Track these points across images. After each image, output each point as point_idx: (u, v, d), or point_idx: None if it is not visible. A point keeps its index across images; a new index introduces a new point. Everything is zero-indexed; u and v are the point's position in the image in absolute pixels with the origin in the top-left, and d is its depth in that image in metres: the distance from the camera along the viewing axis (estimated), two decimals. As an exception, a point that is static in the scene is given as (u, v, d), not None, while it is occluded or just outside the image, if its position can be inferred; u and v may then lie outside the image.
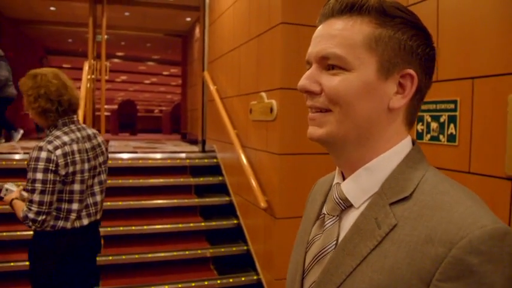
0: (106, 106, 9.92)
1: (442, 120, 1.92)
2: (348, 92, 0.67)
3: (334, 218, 0.73)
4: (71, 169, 2.13)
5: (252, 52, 3.87)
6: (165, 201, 4.47)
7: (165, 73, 16.09)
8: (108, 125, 10.38)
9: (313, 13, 2.77)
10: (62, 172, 2.09)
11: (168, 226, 4.21)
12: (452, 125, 1.87)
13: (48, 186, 2.05)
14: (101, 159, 2.35)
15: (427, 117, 2.01)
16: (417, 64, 0.69)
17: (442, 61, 1.93)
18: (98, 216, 2.37)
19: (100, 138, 2.39)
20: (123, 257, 3.81)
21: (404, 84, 0.69)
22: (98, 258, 3.67)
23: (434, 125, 1.97)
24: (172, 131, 12.24)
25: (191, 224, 4.29)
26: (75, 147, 2.16)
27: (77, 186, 2.17)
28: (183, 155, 5.19)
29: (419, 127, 2.05)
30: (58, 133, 2.16)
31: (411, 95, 0.69)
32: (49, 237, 2.15)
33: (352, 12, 0.68)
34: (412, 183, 0.67)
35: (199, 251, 4.04)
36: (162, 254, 3.92)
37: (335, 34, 0.68)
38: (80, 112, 3.94)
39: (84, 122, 4.31)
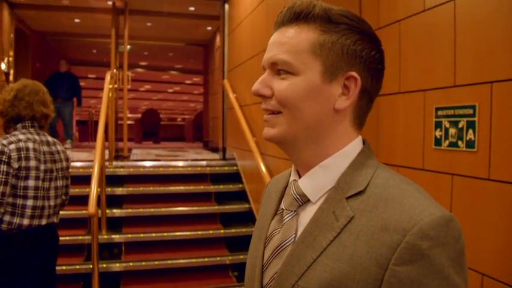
0: (130, 115, 10.10)
1: (460, 125, 1.88)
2: (295, 94, 0.72)
3: (292, 212, 0.77)
4: (24, 163, 2.23)
5: (269, 60, 3.87)
6: (185, 208, 4.51)
7: (187, 82, 16.28)
8: (132, 133, 10.56)
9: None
10: (15, 165, 2.20)
11: (188, 233, 4.24)
12: (471, 131, 1.82)
13: (1, 176, 2.15)
14: (58, 165, 2.44)
15: (446, 122, 1.97)
16: (361, 67, 0.73)
17: (459, 65, 1.90)
18: (55, 220, 2.44)
19: (60, 147, 2.51)
20: (143, 263, 3.86)
21: (349, 86, 0.73)
22: (117, 264, 3.81)
23: (452, 130, 1.93)
24: (195, 139, 12.33)
25: (211, 231, 4.31)
26: (30, 145, 2.29)
27: (31, 182, 2.26)
28: (204, 163, 5.23)
29: (438, 133, 2.01)
30: (15, 133, 2.33)
31: (355, 96, 0.74)
32: (8, 240, 2.20)
33: (299, 21, 0.74)
34: (366, 178, 0.72)
35: (218, 258, 4.05)
36: (182, 261, 3.95)
37: (284, 42, 0.74)
38: (102, 120, 4.01)
39: (106, 131, 4.39)
